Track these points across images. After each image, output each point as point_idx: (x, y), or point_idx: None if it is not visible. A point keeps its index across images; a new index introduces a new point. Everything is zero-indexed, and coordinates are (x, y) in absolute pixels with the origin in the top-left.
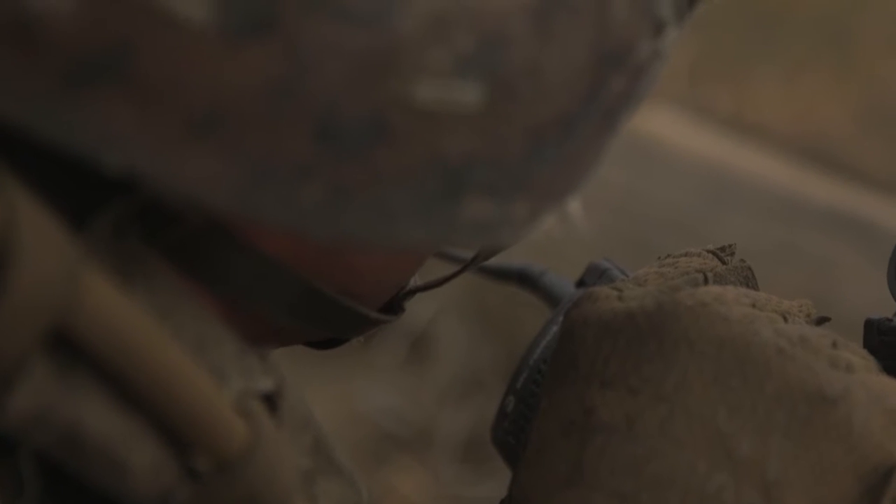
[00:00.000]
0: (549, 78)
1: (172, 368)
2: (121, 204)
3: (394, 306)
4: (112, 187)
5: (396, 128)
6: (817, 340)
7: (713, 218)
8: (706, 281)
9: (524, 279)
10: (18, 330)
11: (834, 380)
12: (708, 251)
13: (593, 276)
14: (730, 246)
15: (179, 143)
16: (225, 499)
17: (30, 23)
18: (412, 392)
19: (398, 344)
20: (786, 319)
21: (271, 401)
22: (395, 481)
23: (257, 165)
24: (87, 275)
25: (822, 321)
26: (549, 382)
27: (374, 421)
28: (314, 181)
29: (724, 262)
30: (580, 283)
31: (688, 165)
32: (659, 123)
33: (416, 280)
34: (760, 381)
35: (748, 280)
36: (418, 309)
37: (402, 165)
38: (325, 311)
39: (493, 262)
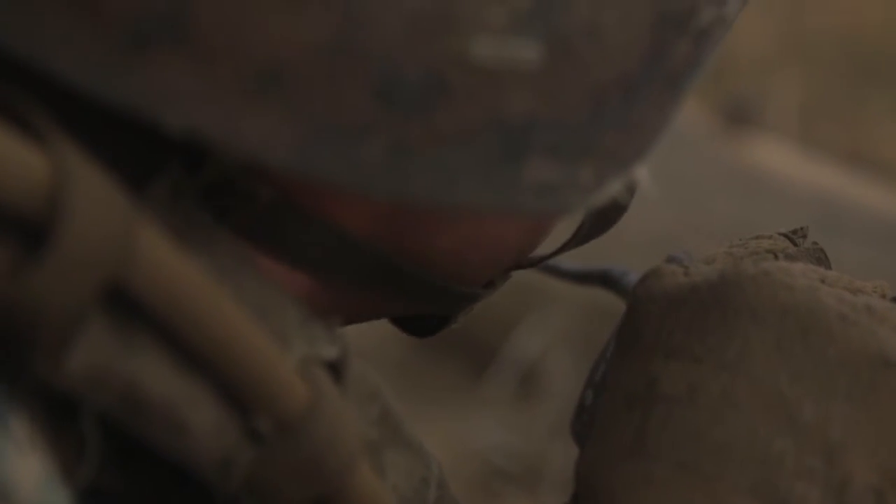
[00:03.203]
0: (608, 37)
1: (231, 328)
2: (179, 167)
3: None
4: (173, 152)
5: (455, 86)
6: (884, 311)
7: (826, 246)
8: (776, 259)
9: (606, 280)
10: (73, 284)
11: None
12: (780, 234)
13: None
14: (802, 229)
15: (239, 101)
16: (287, 461)
17: None
18: (522, 427)
19: (508, 379)
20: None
21: (336, 370)
22: None
23: (317, 122)
24: (143, 231)
25: None
26: (614, 358)
27: (485, 456)
28: (374, 139)
29: (795, 245)
30: None
31: (798, 196)
32: (768, 155)
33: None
34: (823, 346)
35: (821, 262)
36: (528, 344)
37: (462, 125)
38: (401, 283)
39: (575, 265)
